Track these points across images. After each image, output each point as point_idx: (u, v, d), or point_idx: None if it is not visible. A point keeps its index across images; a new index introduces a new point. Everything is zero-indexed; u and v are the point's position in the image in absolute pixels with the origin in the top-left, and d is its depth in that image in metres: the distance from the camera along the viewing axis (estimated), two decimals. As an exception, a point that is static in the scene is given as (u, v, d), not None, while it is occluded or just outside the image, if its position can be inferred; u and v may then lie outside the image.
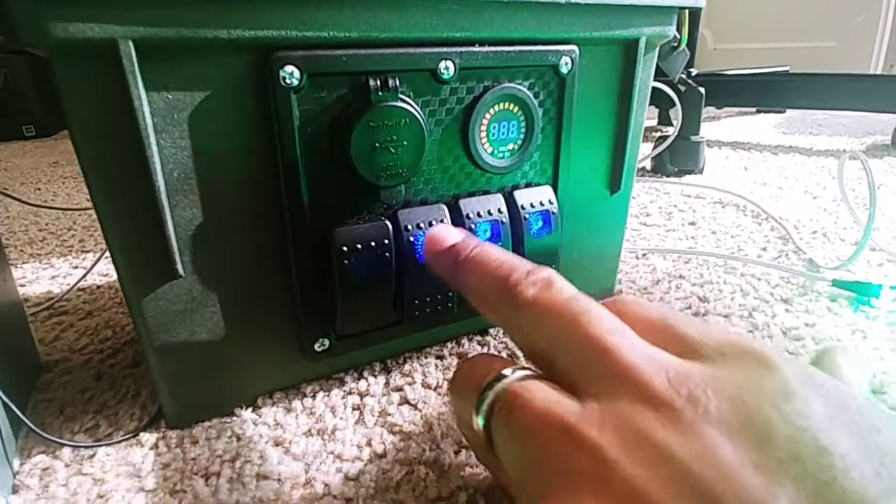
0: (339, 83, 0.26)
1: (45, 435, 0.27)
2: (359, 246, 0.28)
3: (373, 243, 0.28)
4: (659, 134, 0.93)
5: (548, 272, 0.21)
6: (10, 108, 1.40)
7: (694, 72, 1.11)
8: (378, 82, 0.27)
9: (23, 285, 0.49)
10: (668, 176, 0.81)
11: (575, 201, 0.38)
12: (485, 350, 0.36)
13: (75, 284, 0.48)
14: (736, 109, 1.53)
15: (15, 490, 0.26)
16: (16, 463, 0.27)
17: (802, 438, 0.14)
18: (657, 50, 0.37)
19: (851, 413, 0.15)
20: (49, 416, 0.31)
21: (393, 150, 0.28)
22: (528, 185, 0.35)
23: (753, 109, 1.53)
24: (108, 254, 0.54)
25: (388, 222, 0.29)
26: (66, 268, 0.54)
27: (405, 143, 0.28)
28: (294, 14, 0.24)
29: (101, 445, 0.28)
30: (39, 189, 0.87)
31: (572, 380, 0.18)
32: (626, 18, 0.33)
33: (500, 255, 0.23)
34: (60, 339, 0.39)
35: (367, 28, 0.26)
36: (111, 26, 0.21)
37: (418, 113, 0.28)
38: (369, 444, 0.27)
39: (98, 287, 0.49)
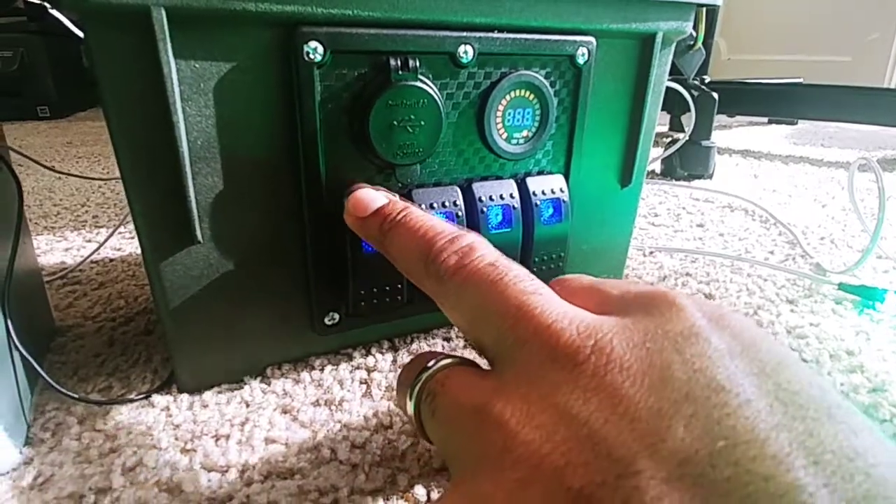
0: (361, 61, 0.27)
1: (62, 390, 0.27)
2: (372, 219, 0.29)
3: (386, 218, 0.29)
4: (670, 139, 0.93)
5: (471, 237, 0.21)
6: (25, 88, 1.42)
7: (707, 79, 1.11)
8: (398, 62, 0.27)
9: (38, 255, 0.50)
10: (677, 179, 0.82)
11: (586, 193, 0.38)
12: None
13: (89, 256, 0.49)
14: (747, 119, 1.53)
15: (28, 442, 0.26)
16: (29, 416, 0.28)
17: (697, 378, 0.14)
18: (673, 46, 0.37)
19: (755, 350, 0.15)
20: (63, 376, 0.31)
21: (410, 130, 0.28)
22: (540, 173, 0.35)
23: (765, 120, 1.53)
24: (120, 229, 0.55)
25: (399, 196, 0.30)
26: (80, 241, 0.55)
27: (422, 123, 0.29)
28: (321, -10, 0.25)
29: (114, 403, 0.29)
30: (53, 167, 0.88)
31: (494, 353, 0.18)
32: (644, 12, 0.34)
33: (424, 221, 0.22)
34: (74, 306, 0.40)
35: (390, 8, 0.27)
36: (145, -9, 0.22)
37: (436, 94, 0.29)
38: (376, 415, 0.28)
39: (111, 260, 0.49)
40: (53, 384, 0.27)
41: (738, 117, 1.50)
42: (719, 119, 1.41)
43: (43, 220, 0.61)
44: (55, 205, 0.66)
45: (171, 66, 0.24)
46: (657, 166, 0.87)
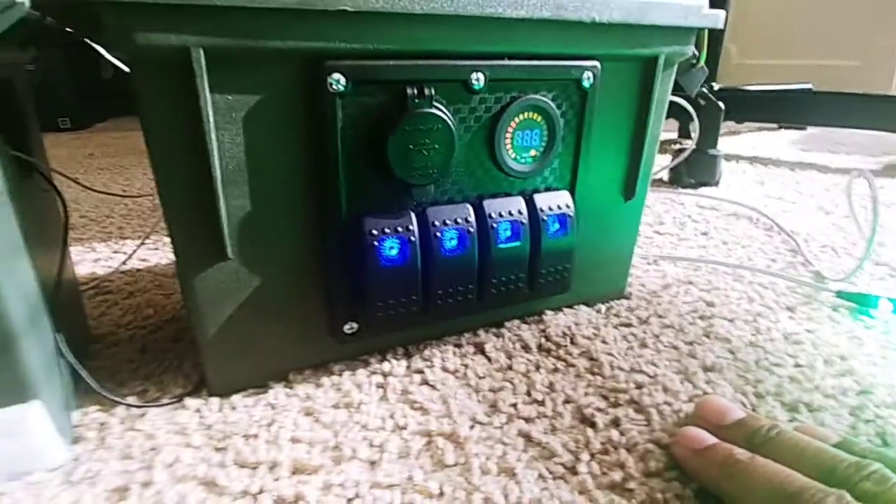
0: (380, 90, 0.29)
1: (105, 393, 0.30)
2: (386, 230, 0.31)
3: (398, 229, 0.31)
4: (678, 146, 0.95)
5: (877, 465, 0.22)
6: (46, 100, 1.46)
7: (716, 86, 1.12)
8: (415, 91, 0.29)
9: (83, 261, 0.52)
10: (684, 187, 0.83)
11: (591, 206, 0.40)
12: (500, 341, 0.38)
13: (118, 267, 0.51)
14: (757, 125, 1.54)
15: (75, 440, 0.29)
16: (75, 417, 0.30)
17: None
18: (676, 66, 0.39)
19: None
20: (102, 380, 0.34)
21: (425, 153, 0.31)
22: (547, 190, 0.37)
23: (775, 125, 1.53)
24: (147, 241, 0.58)
25: (412, 213, 0.32)
26: (108, 252, 0.57)
27: (437, 146, 0.31)
28: (343, 28, 0.27)
29: (151, 406, 0.31)
30: (76, 180, 0.91)
31: None
32: (646, 37, 0.35)
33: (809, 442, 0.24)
34: (107, 315, 0.43)
35: (407, 41, 0.29)
36: (186, 36, 0.24)
37: (450, 119, 0.31)
38: (392, 417, 0.30)
39: (138, 271, 0.52)
40: (99, 389, 0.29)
41: (748, 123, 1.51)
42: (728, 125, 1.42)
43: (72, 232, 0.63)
44: (81, 216, 0.69)
45: (207, 99, 0.26)
46: (664, 175, 0.88)
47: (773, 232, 0.63)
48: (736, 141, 1.30)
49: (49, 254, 0.31)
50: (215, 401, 0.32)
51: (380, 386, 0.33)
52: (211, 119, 0.26)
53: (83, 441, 0.29)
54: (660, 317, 0.42)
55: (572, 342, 0.38)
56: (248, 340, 0.32)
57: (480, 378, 0.34)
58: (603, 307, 0.44)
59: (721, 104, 0.80)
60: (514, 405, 0.31)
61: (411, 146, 0.30)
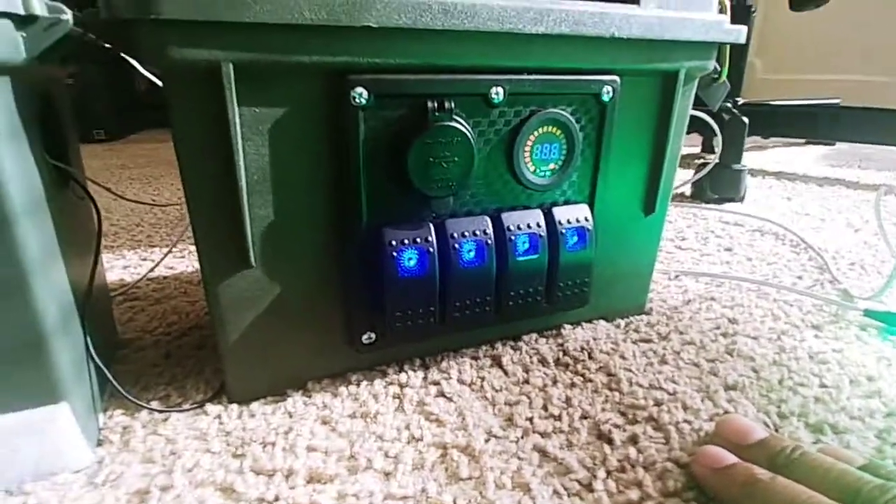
0: (401, 103, 0.30)
1: (130, 397, 0.31)
2: (405, 241, 0.31)
3: (417, 240, 0.31)
4: (701, 160, 0.94)
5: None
6: (83, 113, 1.51)
7: (740, 101, 1.11)
8: (435, 104, 0.30)
9: (113, 268, 0.54)
10: (707, 203, 0.82)
11: (610, 220, 0.40)
12: (517, 354, 0.38)
13: (146, 274, 0.53)
14: (784, 140, 1.51)
15: (100, 443, 0.29)
16: (100, 419, 0.31)
17: None
18: (696, 81, 0.39)
19: None
20: (127, 384, 0.35)
21: (445, 165, 0.31)
22: (566, 203, 0.37)
23: (802, 140, 1.50)
24: (175, 249, 0.59)
25: (431, 225, 0.32)
26: (136, 259, 0.59)
27: (456, 158, 0.31)
28: (367, 43, 0.28)
29: (173, 411, 0.32)
30: (109, 189, 0.94)
31: None
32: (667, 52, 0.36)
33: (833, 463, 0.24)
34: (134, 321, 0.44)
35: (428, 56, 0.29)
36: (216, 51, 0.25)
37: (469, 132, 0.31)
38: (408, 427, 0.30)
39: (165, 278, 0.53)
40: (124, 393, 0.30)
41: (775, 138, 1.48)
42: (754, 139, 1.40)
43: (103, 240, 0.65)
44: (112, 225, 0.72)
45: (235, 111, 0.27)
46: (687, 189, 0.87)
47: (799, 249, 0.62)
48: (762, 156, 1.28)
49: (82, 260, 0.32)
50: (235, 407, 0.32)
51: (396, 396, 0.33)
52: (238, 130, 0.27)
53: (107, 444, 0.29)
54: (680, 333, 0.42)
55: (590, 357, 0.38)
56: (269, 348, 0.33)
57: (497, 391, 0.34)
58: (622, 322, 0.43)
59: (745, 119, 0.79)
60: (531, 419, 0.31)
61: (431, 158, 0.30)
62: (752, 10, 1.02)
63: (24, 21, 0.23)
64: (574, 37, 0.32)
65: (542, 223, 0.35)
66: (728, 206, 0.80)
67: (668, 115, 0.38)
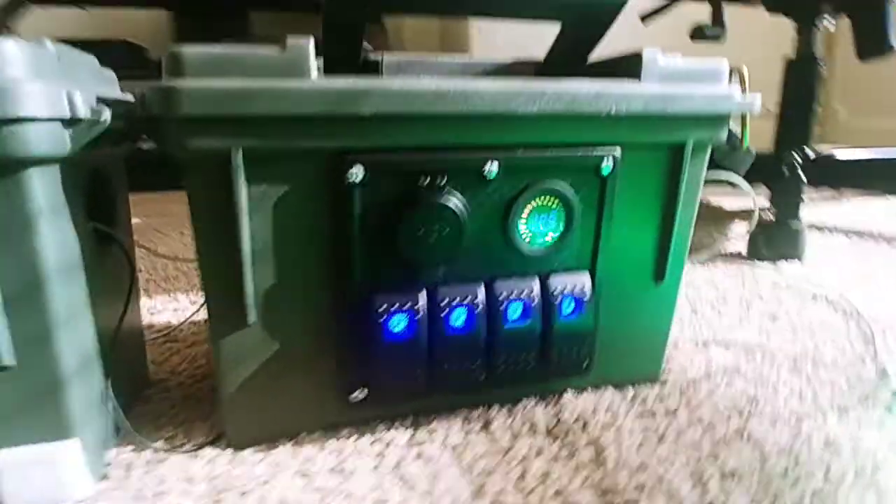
0: (396, 179, 0.32)
1: (140, 437, 0.34)
2: (394, 307, 0.33)
3: (406, 306, 0.33)
4: (755, 215, 0.88)
5: None
6: (170, 159, 1.66)
7: (810, 151, 1.04)
8: (427, 181, 0.31)
9: (153, 314, 0.59)
10: (761, 261, 0.78)
11: (616, 288, 0.39)
12: (509, 419, 0.38)
13: (188, 318, 0.57)
14: (862, 192, 1.40)
15: (104, 477, 0.32)
16: (111, 454, 0.34)
17: None
18: (708, 150, 0.38)
19: None
20: (146, 422, 0.38)
21: (434, 237, 0.32)
22: (566, 271, 0.37)
23: (883, 193, 1.38)
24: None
25: (422, 291, 0.33)
26: (186, 303, 0.64)
27: (447, 231, 0.32)
28: (363, 128, 0.30)
29: (173, 452, 0.34)
30: (183, 233, 1.01)
31: None
32: (671, 126, 0.35)
33: None
34: (168, 362, 0.47)
35: (423, 137, 0.31)
36: (227, 140, 0.28)
37: (459, 208, 0.32)
38: (379, 488, 0.31)
39: (205, 322, 0.57)
40: (132, 431, 0.33)
41: (848, 188, 1.37)
42: (828, 191, 1.31)
43: (164, 283, 0.71)
44: (176, 268, 0.78)
45: (242, 190, 0.30)
46: (742, 247, 0.83)
47: (851, 319, 0.57)
48: (835, 210, 1.19)
49: (116, 307, 0.36)
50: (228, 453, 0.34)
51: (378, 454, 0.34)
52: (243, 206, 0.30)
53: (110, 479, 0.32)
54: (691, 409, 0.39)
55: (584, 428, 0.37)
56: (265, 399, 0.35)
57: (478, 458, 0.34)
58: (631, 391, 0.42)
59: (801, 173, 0.75)
60: (501, 491, 0.31)
61: (421, 231, 0.32)
62: (820, 61, 0.97)
63: (70, 122, 0.27)
64: (570, 115, 0.33)
65: (537, 291, 0.35)
66: (784, 266, 0.75)
67: (676, 185, 0.37)
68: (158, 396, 0.41)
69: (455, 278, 0.35)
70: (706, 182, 0.47)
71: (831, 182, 1.03)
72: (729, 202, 1.21)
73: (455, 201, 0.32)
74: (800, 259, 0.77)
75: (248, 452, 0.34)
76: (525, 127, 0.32)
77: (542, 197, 0.35)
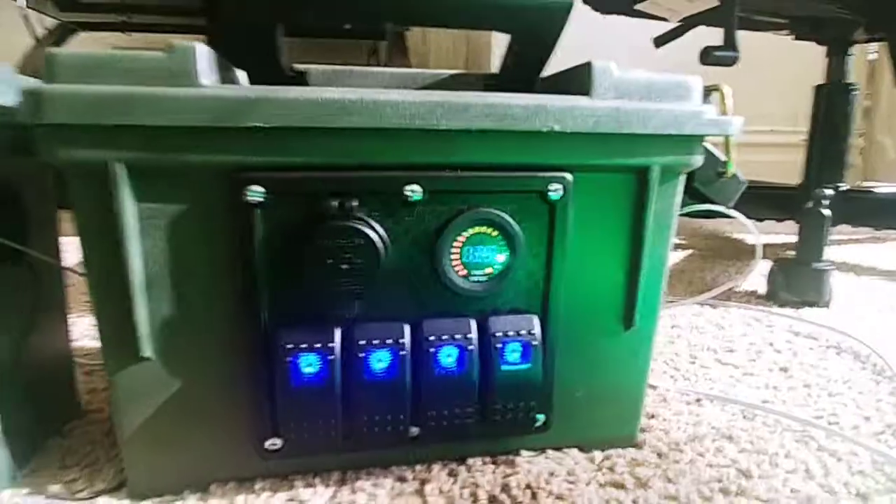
0: (301, 202, 0.28)
1: (20, 481, 0.30)
2: (302, 346, 0.29)
3: (316, 345, 0.29)
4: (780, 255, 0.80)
5: None
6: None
7: (845, 186, 0.96)
8: (336, 203, 0.28)
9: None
10: (782, 306, 0.70)
11: (574, 334, 0.34)
12: (450, 482, 0.33)
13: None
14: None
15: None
16: (5, 495, 0.31)
17: None
18: (681, 176, 0.33)
19: None
20: (53, 461, 0.35)
21: (345, 267, 0.28)
22: (511, 312, 0.32)
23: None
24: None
25: (336, 329, 0.29)
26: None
27: (359, 261, 0.29)
28: (258, 142, 0.27)
29: (66, 500, 0.31)
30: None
31: None
32: (630, 147, 0.31)
33: None
34: (102, 392, 0.45)
35: (330, 154, 0.28)
36: (103, 151, 0.26)
37: (374, 234, 0.29)
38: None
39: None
40: (16, 475, 0.30)
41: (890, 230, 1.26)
42: (865, 231, 1.20)
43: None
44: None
45: (125, 208, 0.27)
46: (761, 286, 0.75)
47: (882, 377, 0.49)
48: (873, 252, 1.09)
49: (34, 329, 0.34)
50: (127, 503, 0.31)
51: (288, 517, 0.30)
52: (130, 227, 0.27)
53: (-9, 526, 0.29)
54: (667, 481, 0.33)
55: (533, 498, 0.31)
56: (169, 443, 0.31)
57: (400, 529, 0.29)
58: (599, 456, 0.36)
59: (826, 211, 0.67)
60: (405, 578, 0.26)
61: (329, 260, 0.28)
62: (854, 88, 0.90)
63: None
64: (504, 131, 0.29)
65: (473, 334, 0.31)
66: (805, 312, 0.68)
67: (642, 215, 0.33)
68: (80, 431, 0.38)
69: (376, 316, 0.31)
70: (696, 214, 0.42)
71: (870, 221, 0.94)
72: (752, 238, 1.13)
73: (370, 227, 0.29)
74: (825, 305, 0.69)
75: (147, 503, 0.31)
76: (451, 145, 0.29)
77: (478, 226, 0.30)
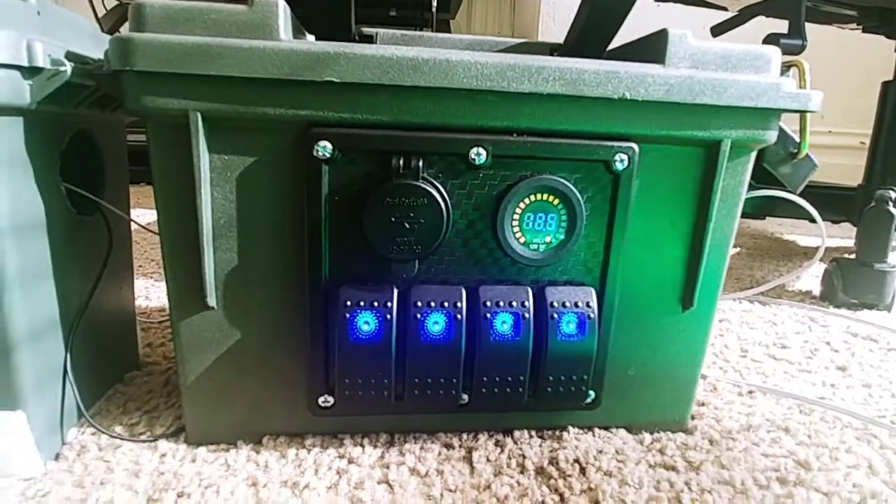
0: (368, 159, 0.29)
1: (91, 420, 0.32)
2: (361, 303, 0.29)
3: (375, 304, 0.29)
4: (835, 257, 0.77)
5: None
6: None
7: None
8: (401, 161, 0.28)
9: (161, 297, 0.59)
10: (838, 307, 0.67)
11: (631, 311, 0.34)
12: (497, 452, 0.33)
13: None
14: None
15: (57, 457, 0.31)
16: (72, 433, 0.33)
17: None
18: (752, 152, 0.32)
19: None
20: (117, 405, 0.36)
21: (408, 226, 0.29)
22: (567, 283, 0.32)
23: None
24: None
25: (394, 289, 0.30)
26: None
27: (422, 221, 0.29)
28: (330, 98, 0.27)
29: (129, 440, 0.32)
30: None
31: None
32: (702, 118, 0.30)
33: None
34: (163, 346, 0.47)
35: (398, 112, 0.28)
36: (185, 101, 0.27)
37: (439, 194, 0.29)
38: (322, 511, 0.27)
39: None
40: (86, 414, 0.32)
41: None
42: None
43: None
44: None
45: (202, 158, 0.28)
46: (815, 286, 0.72)
47: (950, 382, 0.46)
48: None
49: (105, 283, 0.35)
50: (182, 449, 0.32)
51: (339, 472, 0.30)
52: (205, 177, 0.28)
53: (62, 459, 0.31)
54: (721, 466, 0.33)
55: (582, 472, 0.31)
56: (227, 395, 0.32)
57: (449, 491, 0.29)
58: (648, 438, 0.35)
59: (893, 210, 0.64)
60: (457, 535, 0.26)
61: (392, 219, 0.28)
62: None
63: (30, 72, 0.26)
64: (573, 97, 0.28)
65: (530, 303, 0.31)
66: (865, 314, 0.65)
67: (709, 191, 0.32)
68: (140, 380, 0.40)
69: (434, 279, 0.31)
70: (756, 200, 0.40)
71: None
72: (804, 240, 1.08)
73: (435, 188, 0.29)
74: (886, 308, 0.66)
75: (202, 450, 0.32)
76: (520, 109, 0.28)
77: (540, 193, 0.30)
